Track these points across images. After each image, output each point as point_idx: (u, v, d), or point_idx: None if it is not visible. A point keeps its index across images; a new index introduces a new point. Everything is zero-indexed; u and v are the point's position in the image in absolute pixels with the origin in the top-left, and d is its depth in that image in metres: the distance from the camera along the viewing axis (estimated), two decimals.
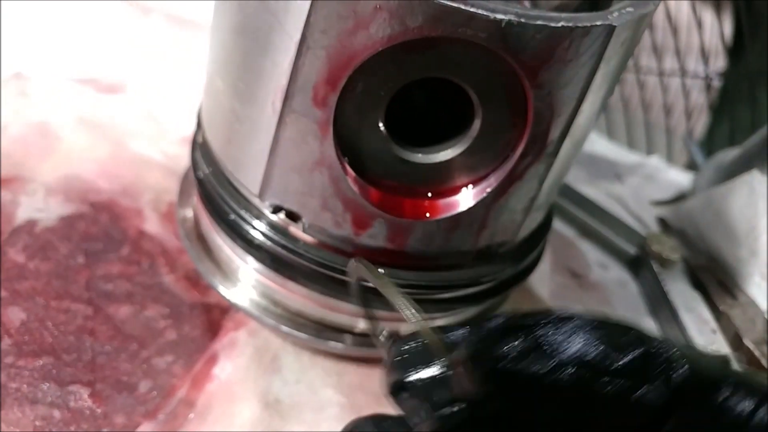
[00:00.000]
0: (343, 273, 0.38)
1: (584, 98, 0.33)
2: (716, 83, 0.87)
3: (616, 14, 0.31)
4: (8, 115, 0.54)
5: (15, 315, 0.43)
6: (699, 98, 0.88)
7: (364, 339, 0.43)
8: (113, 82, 0.60)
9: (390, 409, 0.27)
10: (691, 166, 0.78)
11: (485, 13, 0.28)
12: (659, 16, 0.83)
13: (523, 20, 0.28)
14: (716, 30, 0.83)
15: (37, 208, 0.49)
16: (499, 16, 0.28)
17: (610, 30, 0.30)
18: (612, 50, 0.31)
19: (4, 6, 0.64)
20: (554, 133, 0.33)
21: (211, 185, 0.41)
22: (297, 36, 0.30)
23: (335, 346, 0.43)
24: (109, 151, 0.54)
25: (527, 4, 0.37)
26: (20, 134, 0.53)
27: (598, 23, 0.30)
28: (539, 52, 0.29)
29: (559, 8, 0.37)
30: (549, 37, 0.29)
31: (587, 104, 0.33)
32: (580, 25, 0.29)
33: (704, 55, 0.82)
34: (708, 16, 0.85)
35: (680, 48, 0.85)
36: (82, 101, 0.57)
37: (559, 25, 0.29)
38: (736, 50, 0.84)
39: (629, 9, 0.31)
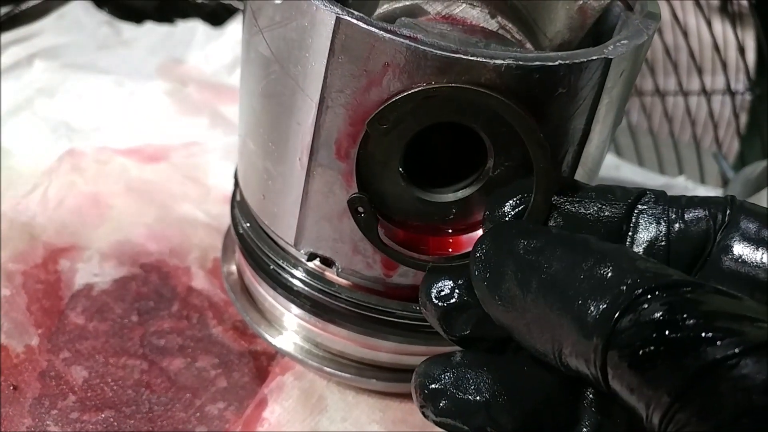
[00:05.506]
0: (378, 311, 0.40)
1: (591, 128, 0.34)
2: (746, 99, 0.88)
3: (611, 47, 0.32)
4: (64, 189, 0.59)
5: (78, 373, 0.46)
6: (729, 116, 0.88)
7: (405, 375, 0.44)
8: (156, 150, 0.64)
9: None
10: (725, 183, 0.78)
11: (485, 60, 0.30)
12: (680, 37, 0.85)
13: (521, 62, 0.30)
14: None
15: (93, 273, 0.53)
16: (498, 62, 0.30)
17: (607, 63, 0.32)
18: (612, 81, 0.33)
19: (58, 92, 0.69)
20: (566, 163, 0.35)
21: (250, 239, 0.44)
22: (316, 97, 0.33)
23: (377, 383, 0.45)
24: (156, 215, 0.58)
25: (529, 46, 0.39)
26: (75, 205, 0.57)
27: (594, 58, 0.31)
28: (540, 90, 0.31)
29: (561, 47, 0.39)
30: (548, 76, 0.31)
31: (595, 133, 0.35)
32: (576, 61, 0.31)
33: (726, 73, 0.83)
34: (731, 33, 0.86)
35: (705, 67, 0.86)
36: (129, 171, 0.61)
37: (556, 63, 0.30)
38: (762, 66, 0.84)
39: (624, 41, 0.33)
